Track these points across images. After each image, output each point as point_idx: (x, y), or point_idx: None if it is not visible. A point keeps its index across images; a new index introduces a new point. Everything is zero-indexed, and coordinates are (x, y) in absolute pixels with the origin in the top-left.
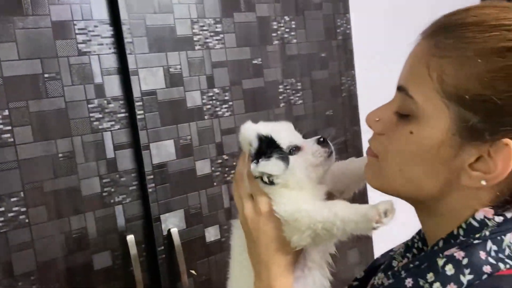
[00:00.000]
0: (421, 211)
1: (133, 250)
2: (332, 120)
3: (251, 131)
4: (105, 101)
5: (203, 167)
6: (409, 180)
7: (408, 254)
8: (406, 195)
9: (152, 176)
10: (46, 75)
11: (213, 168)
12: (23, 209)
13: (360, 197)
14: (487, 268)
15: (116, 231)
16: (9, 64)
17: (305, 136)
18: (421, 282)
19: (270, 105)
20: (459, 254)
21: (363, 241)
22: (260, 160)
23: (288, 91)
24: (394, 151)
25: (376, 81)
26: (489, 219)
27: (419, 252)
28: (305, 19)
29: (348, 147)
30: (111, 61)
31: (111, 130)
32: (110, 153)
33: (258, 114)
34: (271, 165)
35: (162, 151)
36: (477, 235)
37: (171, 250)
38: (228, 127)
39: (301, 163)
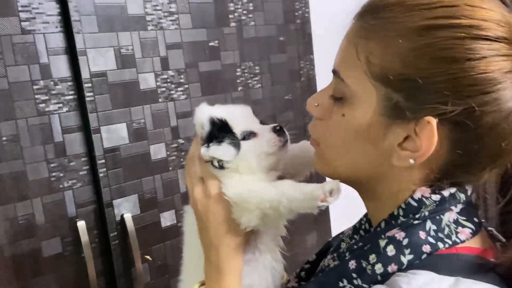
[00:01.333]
0: (363, 194)
1: (84, 236)
2: (291, 104)
3: (204, 113)
4: (52, 82)
5: (158, 151)
6: (346, 162)
7: (355, 236)
8: (347, 179)
9: (103, 161)
10: None
11: (168, 153)
12: None
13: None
14: (426, 248)
15: (66, 217)
16: None
17: (262, 122)
18: (364, 264)
19: (227, 89)
20: (399, 234)
21: (322, 225)
22: (211, 144)
23: (246, 74)
24: (330, 135)
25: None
26: (426, 198)
27: (366, 234)
28: (263, 1)
29: (307, 131)
30: (57, 40)
31: (58, 113)
32: (58, 136)
33: (215, 97)
34: (221, 150)
35: (113, 134)
36: (417, 215)
37: (125, 236)
38: (183, 110)
39: (253, 149)
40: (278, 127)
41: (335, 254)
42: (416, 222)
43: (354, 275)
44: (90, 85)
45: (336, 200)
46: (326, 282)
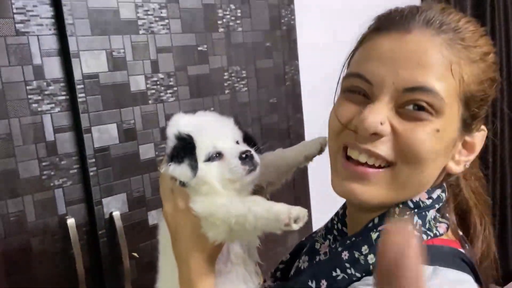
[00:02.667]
0: (366, 210)
1: (73, 233)
2: (276, 107)
3: (173, 126)
4: (45, 83)
5: (147, 152)
6: (425, 178)
7: (329, 236)
8: (405, 199)
9: (93, 160)
10: None
11: (157, 153)
12: None
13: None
14: None
15: (56, 215)
16: None
17: (247, 137)
18: (356, 254)
19: (215, 92)
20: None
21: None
22: (170, 163)
23: (233, 78)
24: (419, 153)
25: (318, 72)
26: (422, 202)
27: (339, 233)
28: (251, 8)
29: (291, 134)
30: (51, 42)
31: (51, 113)
32: (50, 136)
33: (203, 100)
34: (179, 171)
35: (104, 134)
36: (408, 213)
37: (113, 233)
38: (172, 112)
39: (215, 173)
40: (245, 155)
41: (314, 254)
42: (405, 217)
43: (347, 265)
44: (82, 86)
45: (300, 227)
46: (319, 272)
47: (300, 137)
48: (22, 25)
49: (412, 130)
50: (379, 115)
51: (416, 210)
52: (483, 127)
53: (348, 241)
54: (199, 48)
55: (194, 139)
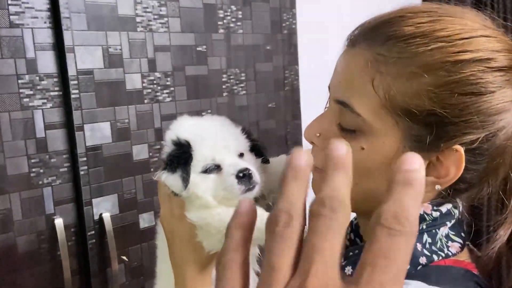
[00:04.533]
0: (364, 215)
1: (61, 234)
2: (274, 112)
3: (173, 130)
4: (37, 78)
5: (140, 152)
6: (364, 191)
7: None
8: (357, 205)
9: (85, 159)
10: None
11: (150, 154)
12: None
13: None
14: (422, 260)
15: (44, 214)
16: None
17: (254, 145)
18: None
19: (212, 94)
20: None
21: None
22: (164, 170)
23: (231, 80)
24: None
25: (319, 78)
26: (427, 214)
27: (351, 243)
28: (252, 10)
29: (288, 140)
30: (45, 36)
31: (42, 108)
32: (40, 132)
33: (200, 101)
34: (171, 181)
35: (97, 133)
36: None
37: (102, 235)
38: (168, 112)
39: (211, 186)
40: (242, 174)
41: None
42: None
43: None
44: (76, 82)
45: None
46: None
47: (297, 143)
48: (17, 17)
49: None
50: (317, 126)
51: (424, 227)
52: (457, 146)
53: (351, 253)
54: (198, 49)
55: (192, 147)
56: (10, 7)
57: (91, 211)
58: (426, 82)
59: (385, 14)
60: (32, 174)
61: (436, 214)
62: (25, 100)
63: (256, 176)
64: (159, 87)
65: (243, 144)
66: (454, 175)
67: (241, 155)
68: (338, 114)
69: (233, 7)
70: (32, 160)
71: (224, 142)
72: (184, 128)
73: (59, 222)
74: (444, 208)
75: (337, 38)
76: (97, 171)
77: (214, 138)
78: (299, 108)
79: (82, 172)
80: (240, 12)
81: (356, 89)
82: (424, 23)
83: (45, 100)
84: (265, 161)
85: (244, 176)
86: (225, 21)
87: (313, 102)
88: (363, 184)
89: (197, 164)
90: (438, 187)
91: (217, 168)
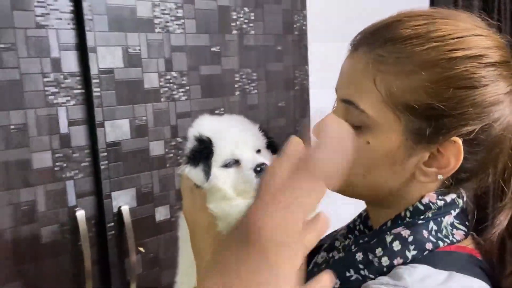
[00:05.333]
0: (374, 205)
1: (82, 225)
2: (284, 111)
3: (195, 127)
4: (62, 76)
5: (156, 148)
6: (372, 182)
7: (350, 236)
8: (366, 196)
9: (105, 154)
10: (1, 45)
11: (166, 150)
12: None
13: None
14: (428, 245)
15: (66, 206)
16: None
17: (272, 144)
18: (370, 256)
19: (225, 93)
20: (405, 232)
21: None
22: (187, 164)
23: (243, 80)
24: (353, 162)
25: (327, 78)
26: (432, 203)
27: (360, 234)
28: (264, 12)
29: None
30: (69, 36)
31: (66, 106)
32: (64, 128)
33: (214, 100)
34: (194, 174)
35: (116, 129)
36: (422, 217)
37: (121, 227)
38: (183, 110)
39: (230, 179)
40: (260, 168)
41: (336, 249)
42: (420, 222)
43: (361, 266)
44: (97, 81)
45: None
46: (332, 271)
47: (306, 142)
48: (42, 18)
49: None
50: None
51: (430, 215)
52: (455, 138)
53: (361, 241)
54: (212, 49)
55: (213, 143)
56: (36, 8)
57: (111, 204)
58: (423, 79)
59: (384, 19)
60: (56, 168)
61: (441, 203)
62: (50, 97)
63: None
64: (175, 86)
65: (260, 141)
66: (454, 165)
67: (258, 151)
68: (344, 112)
69: (246, 9)
70: (56, 155)
71: (243, 138)
72: (206, 125)
73: (80, 214)
74: (448, 198)
75: (345, 40)
76: (117, 166)
77: (234, 135)
78: (308, 107)
79: (102, 167)
80: (252, 14)
81: (359, 88)
82: (420, 25)
83: (68, 98)
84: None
85: (261, 170)
86: (238, 22)
87: (322, 101)
88: (371, 176)
89: (217, 159)
90: (440, 177)
91: (236, 162)
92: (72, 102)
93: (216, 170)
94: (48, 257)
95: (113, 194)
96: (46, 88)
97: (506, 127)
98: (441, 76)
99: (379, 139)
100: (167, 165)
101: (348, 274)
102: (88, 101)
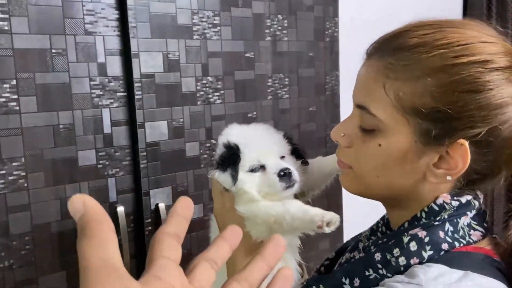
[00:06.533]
0: (390, 205)
1: (122, 220)
2: (315, 116)
3: (224, 135)
4: (106, 80)
5: (192, 149)
6: (385, 183)
7: (372, 237)
8: (382, 196)
9: (145, 153)
10: (53, 51)
11: (201, 151)
12: (23, 174)
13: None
14: (445, 246)
15: (108, 202)
16: (20, 37)
17: (297, 150)
18: (388, 256)
19: (258, 97)
20: (421, 233)
21: (334, 233)
22: (216, 169)
23: (276, 85)
24: (368, 162)
25: None
26: (447, 204)
27: (383, 235)
28: (297, 19)
29: (328, 142)
30: (114, 42)
31: (109, 107)
32: (107, 128)
33: (247, 104)
34: (222, 178)
35: (156, 130)
36: (438, 218)
37: (157, 223)
38: (218, 113)
39: (256, 183)
40: (283, 173)
41: (357, 249)
42: (436, 223)
43: (379, 265)
44: (139, 84)
45: (331, 230)
46: (353, 270)
47: (336, 146)
48: (91, 25)
49: (362, 144)
50: (342, 128)
51: (446, 217)
52: (461, 140)
53: (380, 241)
54: (247, 55)
55: (240, 150)
56: (85, 16)
57: (149, 201)
58: (429, 84)
59: (395, 29)
60: (99, 166)
61: (455, 203)
62: (95, 99)
63: (296, 175)
64: (210, 90)
65: (285, 148)
66: (462, 167)
67: (282, 157)
68: (359, 117)
69: (280, 16)
70: (100, 153)
71: (268, 146)
72: (234, 133)
73: (120, 210)
74: (463, 199)
75: None
76: (155, 165)
77: (259, 142)
78: (338, 112)
79: (142, 165)
80: (286, 21)
81: (371, 94)
82: (427, 34)
83: (112, 100)
84: (305, 163)
85: (284, 175)
86: (271, 29)
87: (352, 107)
88: (383, 176)
89: (244, 164)
90: (449, 177)
91: (261, 167)
92: (115, 104)
93: (243, 174)
94: None
95: (151, 191)
96: (92, 91)
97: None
98: (446, 81)
99: (390, 141)
100: (202, 166)
101: (367, 274)
102: (130, 103)
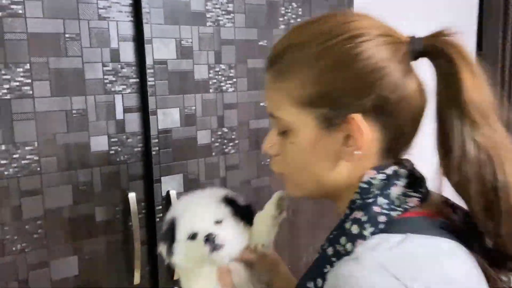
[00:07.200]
0: (334, 200)
1: (133, 207)
2: None
3: (169, 211)
4: (119, 66)
5: (204, 137)
6: (313, 178)
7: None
8: (320, 193)
9: (156, 140)
10: (67, 35)
11: (213, 139)
12: (36, 158)
13: None
14: (381, 218)
15: (120, 188)
16: (34, 21)
17: (240, 211)
18: (338, 247)
19: None
20: (359, 214)
21: None
22: (160, 244)
23: None
24: (291, 163)
25: None
26: (373, 179)
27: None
28: (311, 7)
29: None
30: (127, 28)
31: (122, 93)
32: (119, 114)
33: (259, 92)
34: (163, 250)
35: (168, 117)
36: (370, 195)
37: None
38: (230, 102)
39: (191, 251)
40: (206, 238)
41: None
42: (370, 200)
43: (333, 259)
44: (152, 71)
45: None
46: (313, 271)
47: None
48: (104, 10)
49: (283, 148)
50: (268, 140)
51: (377, 192)
52: (352, 115)
53: (330, 236)
54: (260, 43)
55: (176, 222)
56: (99, 1)
57: (160, 188)
58: (309, 74)
59: (278, 40)
60: (111, 152)
61: (382, 176)
62: (108, 85)
63: (220, 238)
64: (223, 78)
65: (222, 211)
66: (362, 139)
67: (219, 221)
68: (273, 123)
69: (294, 4)
70: (112, 139)
71: (201, 213)
72: (177, 206)
73: (132, 196)
74: (389, 170)
75: None
76: (167, 152)
77: (194, 211)
78: None
79: (153, 152)
80: (300, 9)
81: (273, 101)
82: (297, 34)
83: (125, 86)
84: (249, 222)
85: (208, 240)
86: (285, 17)
87: None
88: (308, 173)
89: (181, 234)
90: (357, 152)
91: (195, 235)
92: (128, 90)
93: (182, 244)
94: (101, 235)
95: (162, 179)
96: (105, 77)
97: (403, 93)
98: (322, 66)
99: (299, 136)
100: (213, 154)
101: (325, 270)
102: (142, 90)
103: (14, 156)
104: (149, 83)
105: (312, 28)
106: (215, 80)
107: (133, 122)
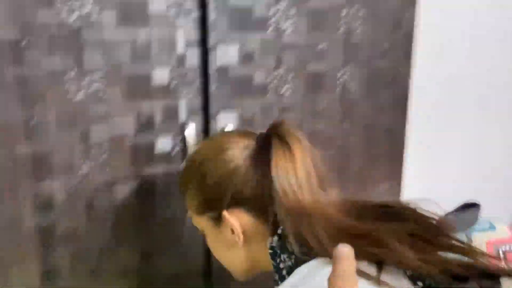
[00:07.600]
0: (268, 270)
1: (190, 139)
2: (382, 108)
3: None
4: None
5: (260, 76)
6: (232, 259)
7: None
8: (250, 268)
9: (216, 76)
10: None
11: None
12: (103, 87)
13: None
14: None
15: (178, 120)
16: None
17: None
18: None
19: (327, 89)
20: (276, 276)
21: None
22: None
23: (345, 77)
24: (217, 257)
25: (433, 77)
26: (271, 242)
27: None
28: (374, 13)
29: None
30: None
31: (183, 27)
32: (180, 49)
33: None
34: None
35: (226, 54)
36: (278, 258)
37: None
38: (288, 41)
39: None
40: None
41: None
42: (280, 263)
43: None
44: (215, 5)
45: None
46: None
47: (401, 135)
48: None
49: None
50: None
51: (284, 256)
52: (223, 213)
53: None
54: (320, 47)
55: None
56: None
57: (216, 123)
58: (191, 190)
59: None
60: (171, 86)
61: (275, 238)
62: (170, 19)
63: None
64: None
65: None
66: (238, 227)
67: None
68: None
69: (355, 7)
70: (172, 73)
71: None
72: None
73: (190, 128)
74: (274, 243)
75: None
76: (224, 88)
77: None
78: (405, 104)
79: (212, 89)
80: (360, 12)
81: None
82: (190, 158)
83: (186, 20)
84: None
85: None
86: (346, 20)
87: (424, 100)
88: (224, 257)
89: None
90: (237, 238)
91: None
92: (190, 25)
93: None
94: (161, 163)
95: (219, 115)
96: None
97: (231, 176)
98: (196, 182)
99: (208, 236)
100: (267, 95)
101: None
102: (203, 24)
103: (83, 83)
104: (210, 18)
105: (195, 156)
106: (274, 18)
107: (193, 57)
